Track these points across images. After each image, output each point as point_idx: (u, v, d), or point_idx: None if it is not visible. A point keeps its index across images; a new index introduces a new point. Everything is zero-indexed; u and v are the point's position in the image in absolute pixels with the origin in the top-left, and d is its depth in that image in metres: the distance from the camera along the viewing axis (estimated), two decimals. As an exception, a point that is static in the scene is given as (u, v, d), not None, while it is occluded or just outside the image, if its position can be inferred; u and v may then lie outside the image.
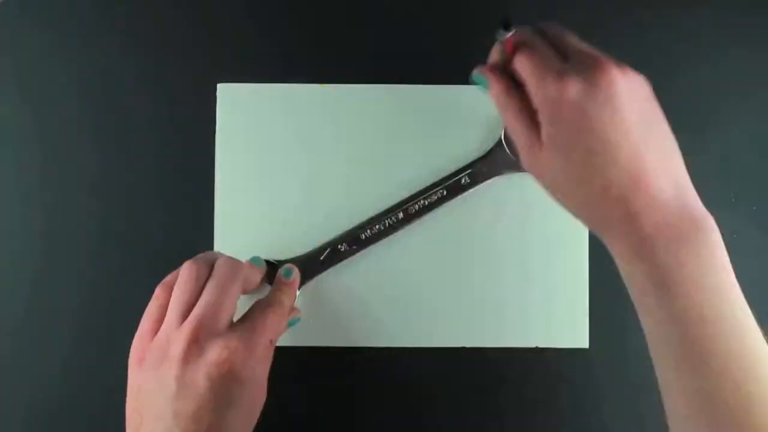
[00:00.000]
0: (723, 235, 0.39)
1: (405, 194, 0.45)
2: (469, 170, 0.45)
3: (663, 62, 0.46)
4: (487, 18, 0.36)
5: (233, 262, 0.39)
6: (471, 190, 0.44)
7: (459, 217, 0.45)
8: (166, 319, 0.37)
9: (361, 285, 0.45)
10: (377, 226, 0.44)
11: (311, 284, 0.44)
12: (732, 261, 0.41)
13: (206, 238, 0.45)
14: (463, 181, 0.45)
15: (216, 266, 0.38)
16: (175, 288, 0.38)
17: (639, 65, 0.35)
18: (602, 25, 0.46)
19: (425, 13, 0.46)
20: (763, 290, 0.44)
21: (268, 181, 0.45)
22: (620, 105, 0.33)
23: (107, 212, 0.45)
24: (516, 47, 0.36)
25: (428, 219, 0.45)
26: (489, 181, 0.45)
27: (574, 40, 0.36)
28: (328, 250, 0.44)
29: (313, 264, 0.44)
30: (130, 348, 0.37)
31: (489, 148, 0.45)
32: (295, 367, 0.44)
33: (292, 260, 0.44)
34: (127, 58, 0.46)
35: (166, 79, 0.46)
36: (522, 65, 0.35)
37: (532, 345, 0.45)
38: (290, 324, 0.42)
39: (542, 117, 0.35)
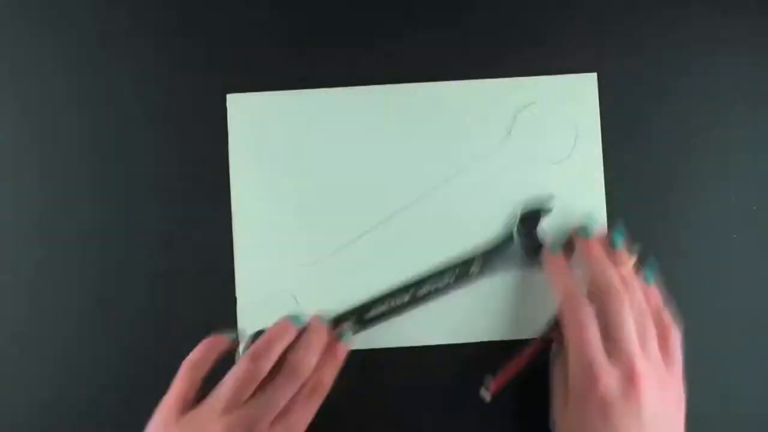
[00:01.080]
0: (723, 235, 0.44)
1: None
2: (482, 262, 0.45)
3: (664, 62, 0.46)
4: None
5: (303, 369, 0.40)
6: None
7: (475, 213, 0.45)
8: (211, 402, 0.38)
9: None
10: (382, 308, 0.44)
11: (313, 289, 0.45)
12: (732, 261, 0.44)
13: (225, 248, 0.45)
14: (472, 271, 0.45)
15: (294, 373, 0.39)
16: (233, 378, 0.38)
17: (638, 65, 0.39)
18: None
19: (434, 14, 0.46)
20: (764, 290, 0.45)
21: (284, 187, 0.45)
22: (645, 415, 0.35)
23: (122, 225, 0.45)
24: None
25: (446, 216, 0.45)
26: (507, 173, 0.45)
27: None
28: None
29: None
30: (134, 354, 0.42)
31: (501, 241, 0.45)
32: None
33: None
34: (135, 71, 0.46)
35: (176, 92, 0.46)
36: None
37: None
38: None
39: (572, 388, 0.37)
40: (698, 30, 0.46)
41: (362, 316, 0.44)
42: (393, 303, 0.44)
